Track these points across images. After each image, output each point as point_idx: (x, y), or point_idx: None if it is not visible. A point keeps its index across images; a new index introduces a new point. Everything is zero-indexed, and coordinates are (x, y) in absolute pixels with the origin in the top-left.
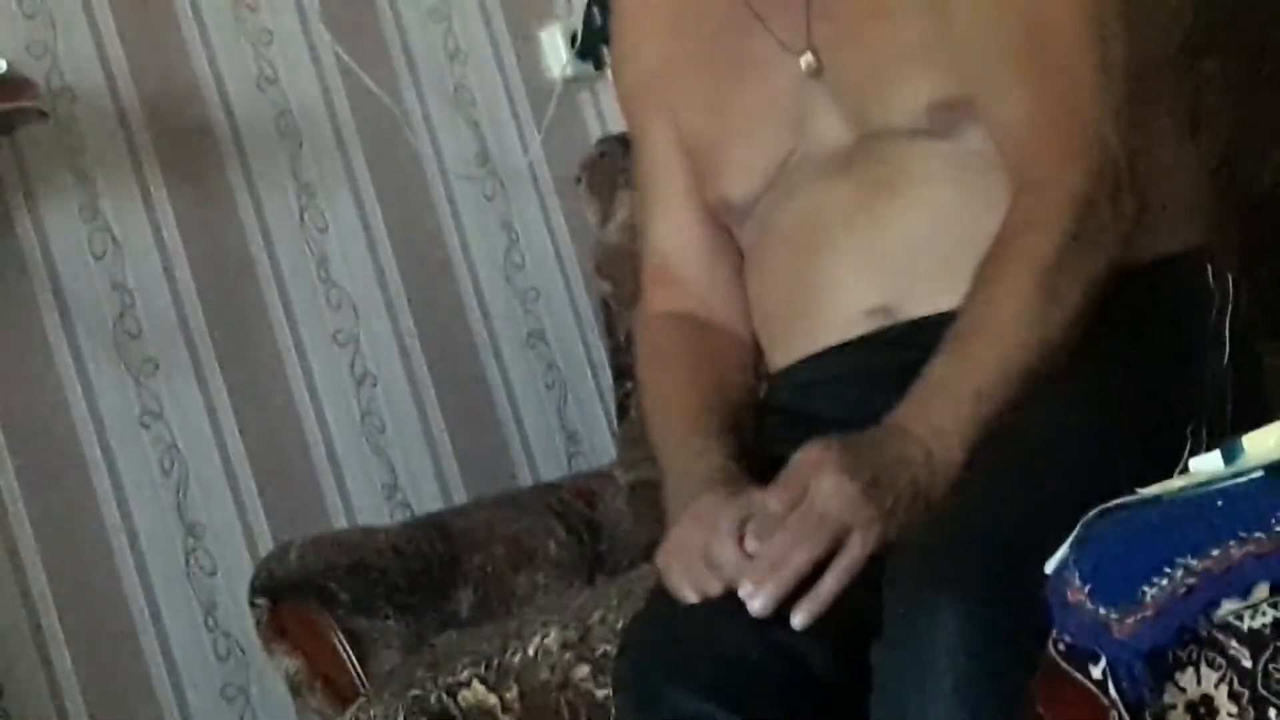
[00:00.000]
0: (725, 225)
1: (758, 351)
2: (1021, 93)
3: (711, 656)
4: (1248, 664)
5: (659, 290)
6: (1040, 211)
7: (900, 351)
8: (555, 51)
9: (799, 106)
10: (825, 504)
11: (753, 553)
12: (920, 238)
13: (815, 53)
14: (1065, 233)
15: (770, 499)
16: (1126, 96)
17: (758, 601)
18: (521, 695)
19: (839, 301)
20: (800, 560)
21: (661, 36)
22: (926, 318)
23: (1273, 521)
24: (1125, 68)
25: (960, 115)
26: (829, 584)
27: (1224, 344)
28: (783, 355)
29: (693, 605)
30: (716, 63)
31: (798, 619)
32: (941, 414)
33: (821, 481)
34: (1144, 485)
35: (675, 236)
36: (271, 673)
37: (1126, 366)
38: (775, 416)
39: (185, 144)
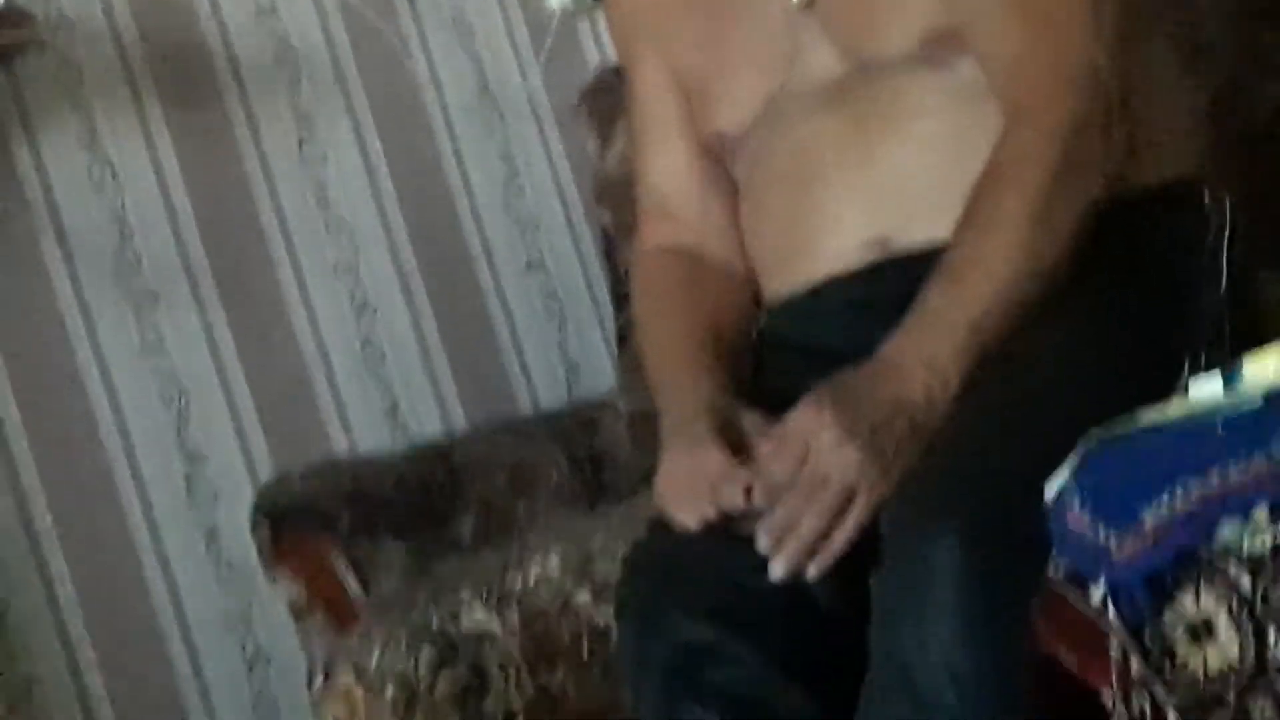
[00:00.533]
0: (719, 159)
1: (753, 284)
2: (1012, 23)
3: (714, 583)
4: (1247, 586)
5: (653, 225)
6: (1031, 142)
7: (896, 282)
8: None
9: (791, 38)
10: (827, 466)
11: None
12: (914, 169)
13: None
14: (1056, 163)
15: (774, 465)
16: (1119, 26)
17: (778, 570)
18: (523, 620)
19: (834, 234)
20: (809, 527)
21: None
22: (921, 249)
23: (1272, 445)
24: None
25: (952, 46)
26: (839, 541)
27: (1221, 271)
28: (779, 288)
29: (694, 533)
30: None
31: (811, 573)
32: (936, 345)
33: (820, 442)
34: (1142, 409)
35: (669, 170)
36: (273, 599)
37: (1123, 294)
38: (773, 348)
39: (184, 75)
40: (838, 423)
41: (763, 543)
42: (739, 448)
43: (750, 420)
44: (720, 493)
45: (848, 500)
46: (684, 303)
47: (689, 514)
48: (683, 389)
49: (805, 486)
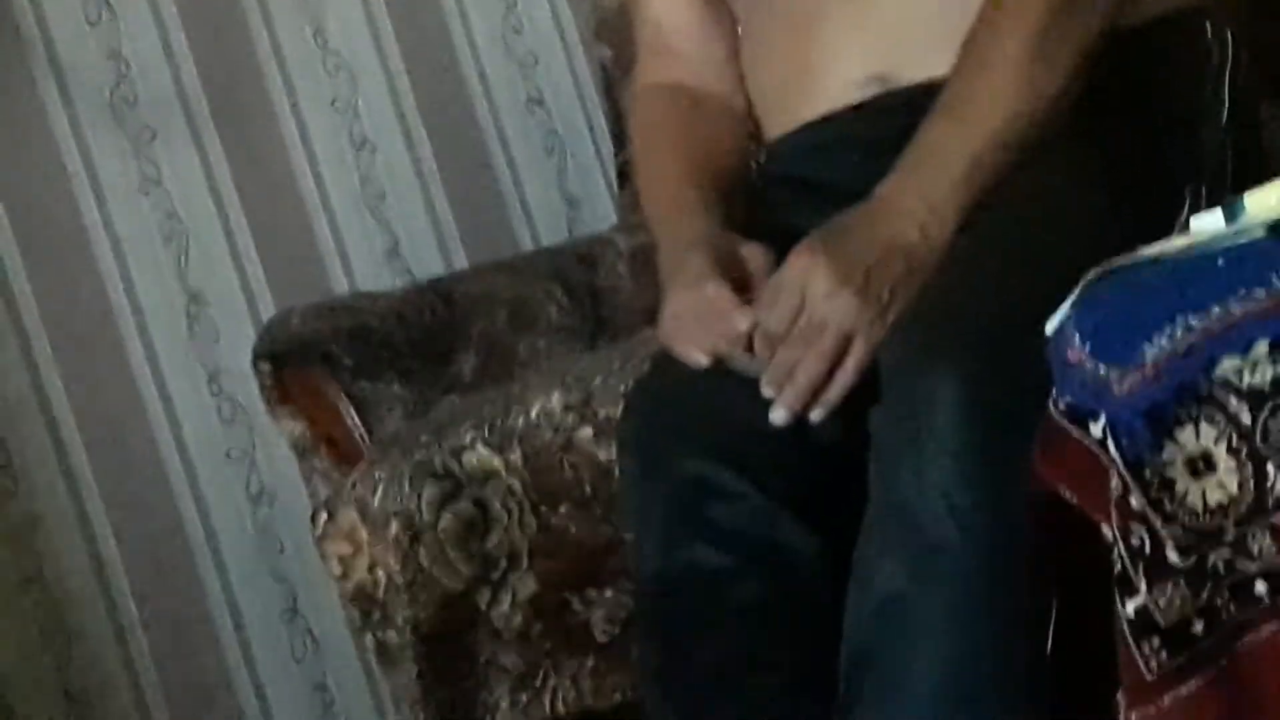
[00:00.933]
0: None
1: (751, 120)
2: None
3: (716, 420)
4: (1246, 420)
5: (652, 61)
6: None
7: (896, 118)
8: None
9: None
10: (824, 313)
11: (764, 362)
12: (914, 5)
13: None
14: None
15: (770, 317)
16: None
17: (778, 417)
18: (524, 457)
19: (834, 70)
20: (807, 376)
21: None
22: (922, 84)
23: (1274, 279)
24: None
25: None
26: (839, 387)
27: (1223, 104)
28: (779, 124)
29: (697, 370)
30: None
31: (814, 418)
32: (934, 183)
33: (816, 290)
34: (1143, 244)
35: (669, 6)
36: (276, 436)
37: (1123, 127)
38: (772, 184)
39: None
40: (832, 270)
41: (766, 391)
42: (741, 282)
43: (751, 252)
44: (723, 326)
45: (845, 345)
46: (680, 138)
47: (695, 349)
48: (681, 224)
49: (802, 335)
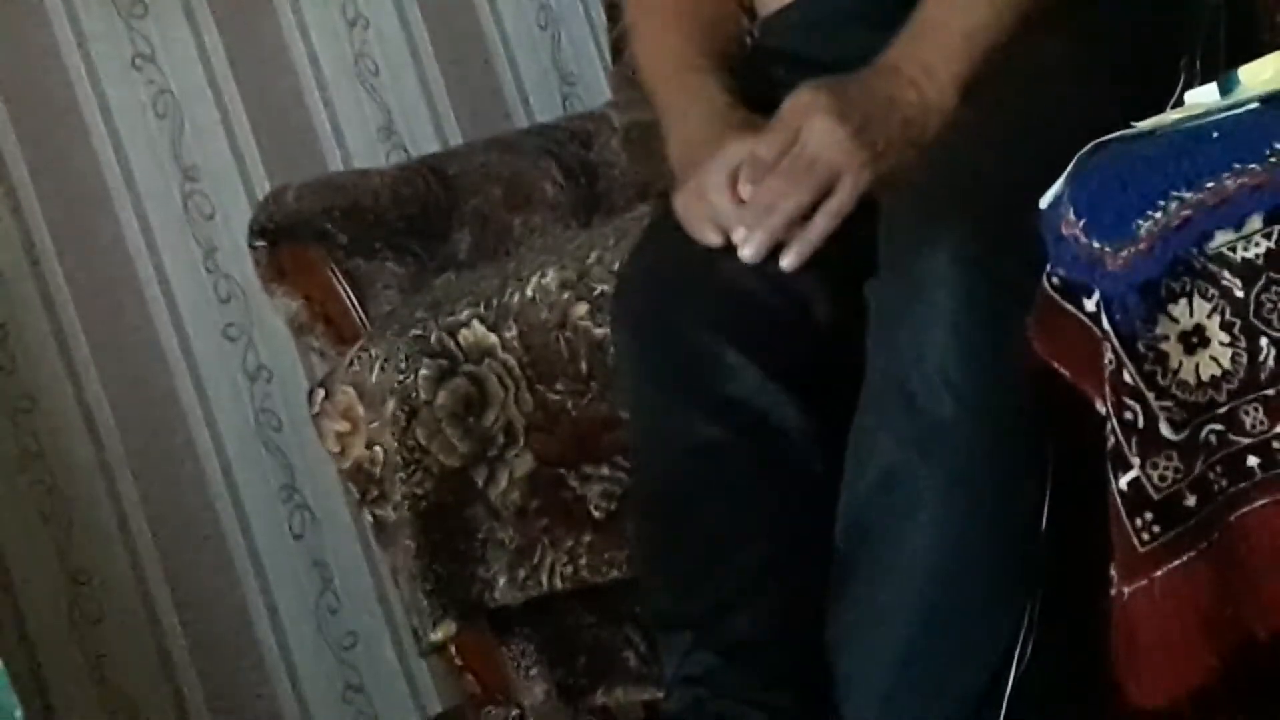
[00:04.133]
0: None
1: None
2: None
3: (713, 294)
4: (1240, 294)
5: None
6: None
7: None
8: None
9: None
10: (815, 148)
11: (745, 198)
12: None
13: None
14: None
15: (760, 145)
16: None
17: (749, 248)
18: (520, 334)
19: None
20: (790, 205)
21: None
22: None
23: (1267, 153)
24: None
25: None
26: (818, 226)
27: None
28: (770, 1)
29: (692, 245)
30: None
31: (786, 260)
32: (932, 53)
33: (812, 126)
34: (1138, 119)
35: None
36: (272, 314)
37: (1117, 2)
38: (767, 59)
39: None
40: (830, 107)
41: (739, 225)
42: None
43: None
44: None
45: (831, 184)
46: (678, 9)
47: (709, 231)
48: (688, 95)
49: (789, 166)
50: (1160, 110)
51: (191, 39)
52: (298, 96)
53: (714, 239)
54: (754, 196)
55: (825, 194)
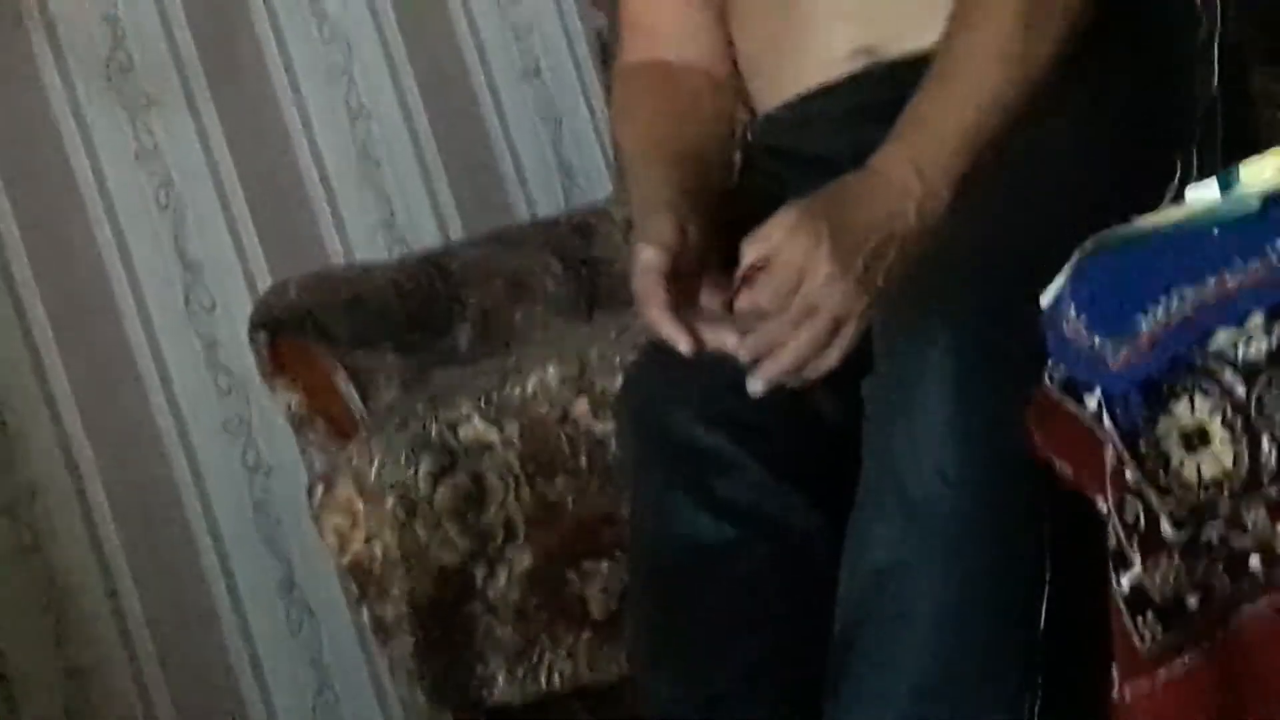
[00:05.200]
0: None
1: (737, 92)
2: None
3: (716, 389)
4: (1241, 393)
5: (633, 36)
6: None
7: (885, 89)
8: None
9: None
10: (819, 299)
11: (744, 345)
12: None
13: None
14: None
15: (764, 292)
16: None
17: (753, 387)
18: (521, 430)
19: (822, 43)
20: (794, 353)
21: None
22: (910, 55)
23: (1268, 250)
24: None
25: None
26: (822, 367)
27: (1213, 67)
28: (767, 95)
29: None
30: None
31: (790, 385)
32: (927, 154)
33: (817, 278)
34: (1135, 213)
35: None
36: (273, 407)
37: (1113, 93)
38: (763, 154)
39: None
40: (834, 257)
41: (743, 355)
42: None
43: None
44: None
45: (836, 330)
46: (654, 116)
47: (680, 340)
48: (646, 198)
49: (794, 314)
50: (1158, 200)
51: (195, 131)
52: (300, 188)
53: (683, 347)
54: (757, 340)
55: (830, 337)
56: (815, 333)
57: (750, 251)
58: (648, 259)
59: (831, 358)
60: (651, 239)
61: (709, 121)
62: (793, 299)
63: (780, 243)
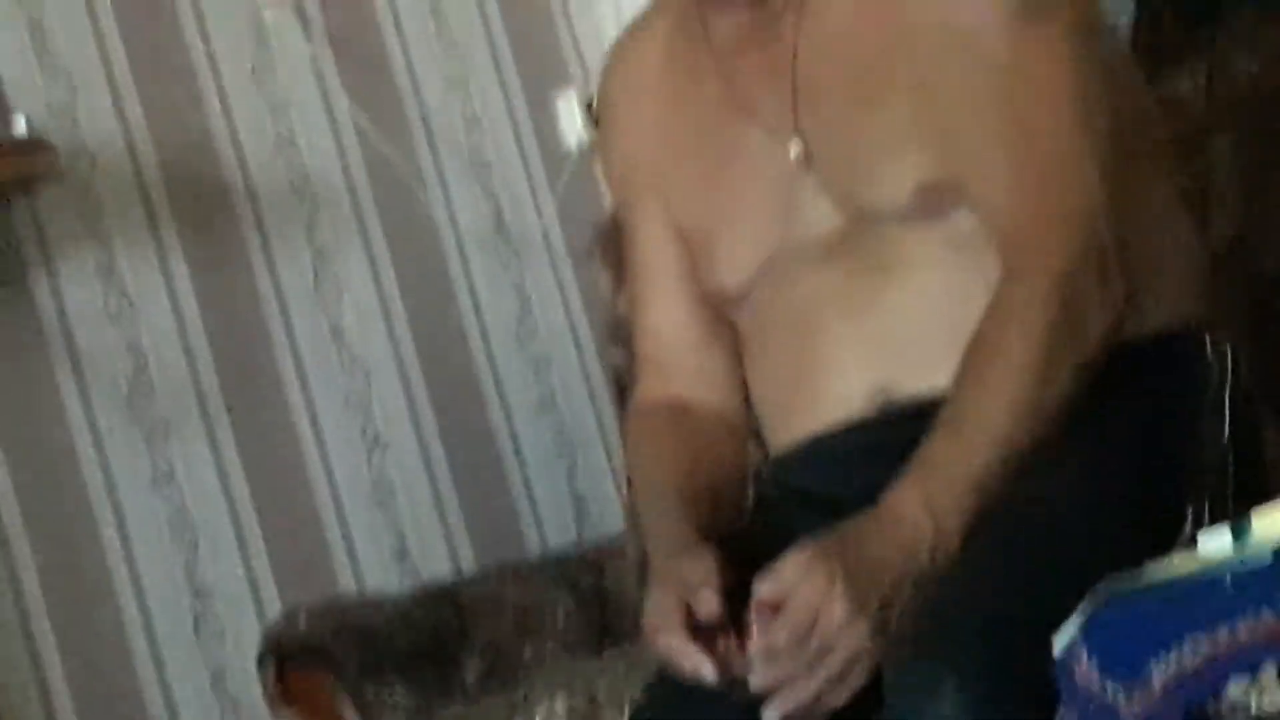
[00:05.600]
0: (719, 309)
1: (751, 432)
2: (1006, 176)
3: None
4: None
5: (650, 374)
6: (1025, 297)
7: (898, 431)
8: (571, 119)
9: (789, 193)
10: (834, 640)
11: (759, 680)
12: (915, 320)
13: (803, 140)
14: (1052, 315)
15: (779, 633)
16: (1117, 176)
17: (771, 717)
18: None
19: (836, 384)
20: (808, 691)
21: (650, 125)
22: (924, 397)
23: None
24: (1114, 148)
25: (948, 198)
26: (833, 703)
27: (1224, 420)
28: (782, 437)
29: (699, 684)
30: (706, 151)
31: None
32: (938, 498)
33: (832, 620)
34: (1146, 556)
35: (668, 321)
36: None
37: (1125, 440)
38: (777, 494)
39: (202, 207)
40: (849, 597)
41: (755, 684)
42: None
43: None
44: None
45: (850, 669)
46: (671, 456)
47: (685, 665)
48: (663, 538)
49: (809, 655)
50: (1169, 547)
51: (211, 459)
52: (314, 516)
53: (708, 674)
54: (770, 676)
55: (843, 677)
56: (831, 672)
57: (764, 589)
58: (672, 601)
59: (843, 694)
60: (673, 580)
61: (724, 462)
62: (809, 640)
63: (794, 582)
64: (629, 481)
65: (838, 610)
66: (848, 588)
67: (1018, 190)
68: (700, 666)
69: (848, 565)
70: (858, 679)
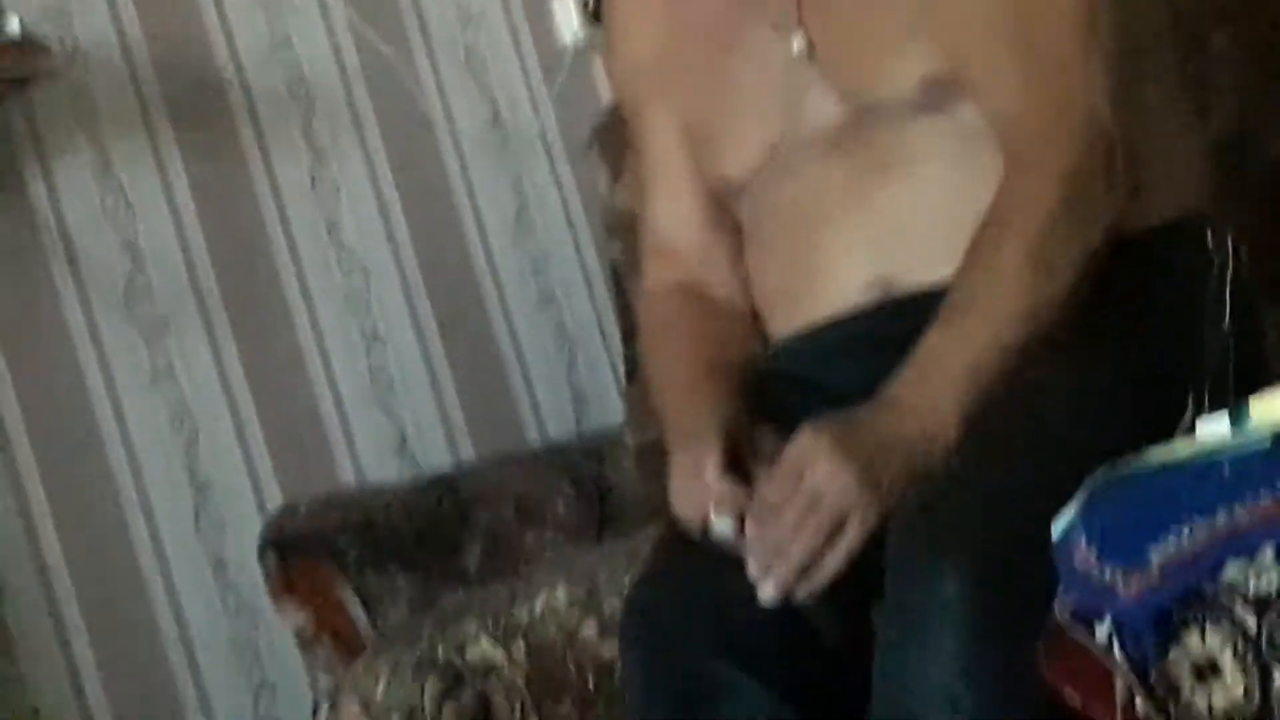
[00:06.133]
0: (724, 202)
1: (756, 323)
2: (1011, 70)
3: (720, 616)
4: (1252, 627)
5: (658, 264)
6: (1031, 189)
7: (898, 322)
8: (566, 15)
9: (792, 86)
10: (822, 490)
11: (752, 539)
12: (916, 212)
13: (807, 33)
14: (1055, 208)
15: (768, 490)
16: (1121, 70)
17: (765, 593)
18: (528, 652)
19: (837, 276)
20: (798, 551)
21: (655, 20)
22: (925, 288)
23: (1279, 485)
24: (1117, 42)
25: (952, 91)
26: (828, 567)
27: (1225, 307)
28: (784, 326)
29: (699, 565)
30: (710, 45)
31: (800, 594)
32: (937, 388)
33: (818, 468)
34: (1147, 443)
35: (675, 213)
36: (280, 628)
37: (1127, 331)
38: (776, 387)
39: (198, 106)
40: (835, 450)
41: (752, 567)
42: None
43: (763, 435)
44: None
45: (839, 525)
46: (689, 336)
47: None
48: (691, 414)
49: (797, 509)
50: (1170, 434)
51: (210, 356)
52: (313, 411)
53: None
54: (762, 539)
55: (833, 534)
56: (818, 525)
57: (763, 455)
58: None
59: (838, 555)
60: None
61: (735, 344)
62: (797, 489)
63: (786, 447)
64: (648, 362)
65: (823, 462)
66: (833, 442)
67: (1023, 84)
68: (724, 501)
69: (837, 427)
70: (849, 541)
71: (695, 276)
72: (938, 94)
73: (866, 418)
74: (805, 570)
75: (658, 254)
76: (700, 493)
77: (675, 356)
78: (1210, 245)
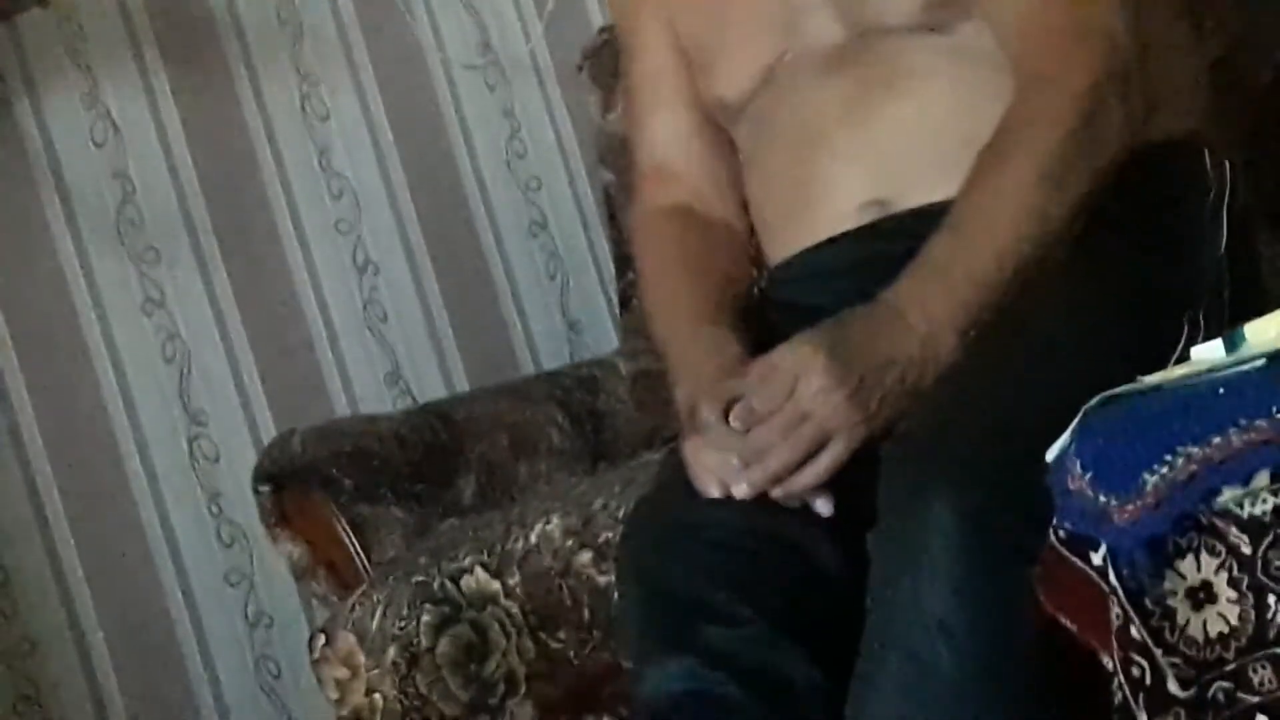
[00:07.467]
0: (719, 123)
1: (753, 244)
2: None
3: (716, 544)
4: (1247, 551)
5: (655, 186)
6: (1046, 106)
7: (896, 242)
8: None
9: (793, 7)
10: (811, 406)
11: (733, 435)
12: (915, 132)
13: None
14: (1072, 126)
15: (758, 396)
16: None
17: (740, 489)
18: (524, 581)
19: (835, 196)
20: (776, 462)
21: None
22: (922, 209)
23: (1274, 409)
24: None
25: (954, 10)
26: (806, 479)
27: (1221, 231)
28: (780, 249)
29: (697, 494)
30: None
31: (775, 493)
32: (936, 300)
33: (808, 384)
34: (1142, 372)
35: (671, 134)
36: (275, 559)
37: (1122, 252)
38: (774, 308)
39: (186, 32)
40: (829, 368)
41: (728, 461)
42: None
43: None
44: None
45: (823, 441)
46: (692, 261)
47: (711, 484)
48: (702, 350)
49: (783, 421)
50: (1165, 361)
51: (202, 285)
52: (306, 341)
53: (713, 492)
54: (744, 440)
55: (816, 450)
56: (802, 439)
57: (753, 366)
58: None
59: (818, 469)
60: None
61: (738, 270)
62: (785, 403)
63: (781, 355)
64: (649, 282)
65: (815, 379)
66: (829, 359)
67: (1041, 3)
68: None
69: (833, 340)
70: (832, 455)
71: (693, 198)
72: (941, 13)
73: (863, 329)
74: (781, 478)
75: (655, 174)
76: (715, 463)
77: (676, 289)
78: (1208, 168)
